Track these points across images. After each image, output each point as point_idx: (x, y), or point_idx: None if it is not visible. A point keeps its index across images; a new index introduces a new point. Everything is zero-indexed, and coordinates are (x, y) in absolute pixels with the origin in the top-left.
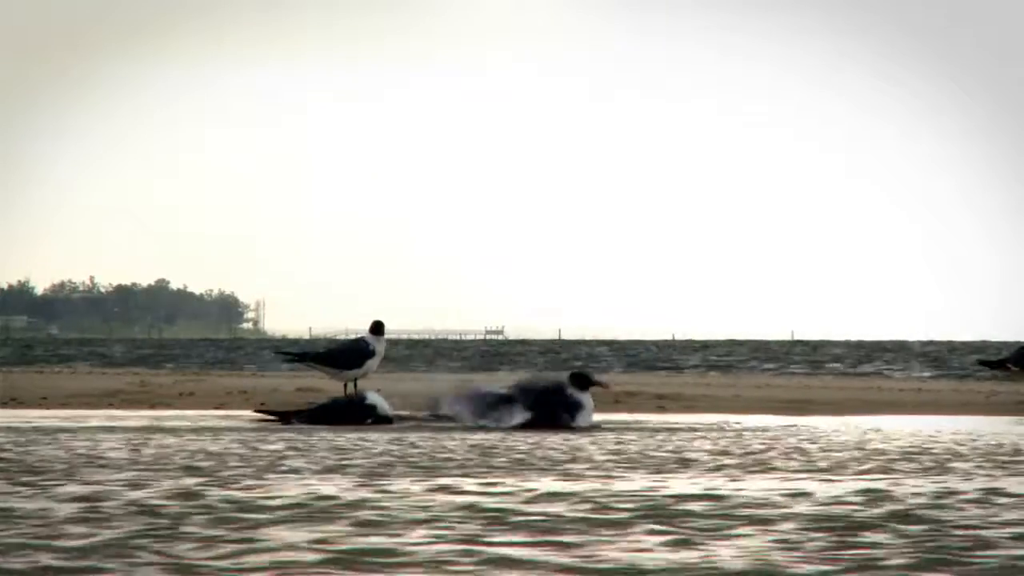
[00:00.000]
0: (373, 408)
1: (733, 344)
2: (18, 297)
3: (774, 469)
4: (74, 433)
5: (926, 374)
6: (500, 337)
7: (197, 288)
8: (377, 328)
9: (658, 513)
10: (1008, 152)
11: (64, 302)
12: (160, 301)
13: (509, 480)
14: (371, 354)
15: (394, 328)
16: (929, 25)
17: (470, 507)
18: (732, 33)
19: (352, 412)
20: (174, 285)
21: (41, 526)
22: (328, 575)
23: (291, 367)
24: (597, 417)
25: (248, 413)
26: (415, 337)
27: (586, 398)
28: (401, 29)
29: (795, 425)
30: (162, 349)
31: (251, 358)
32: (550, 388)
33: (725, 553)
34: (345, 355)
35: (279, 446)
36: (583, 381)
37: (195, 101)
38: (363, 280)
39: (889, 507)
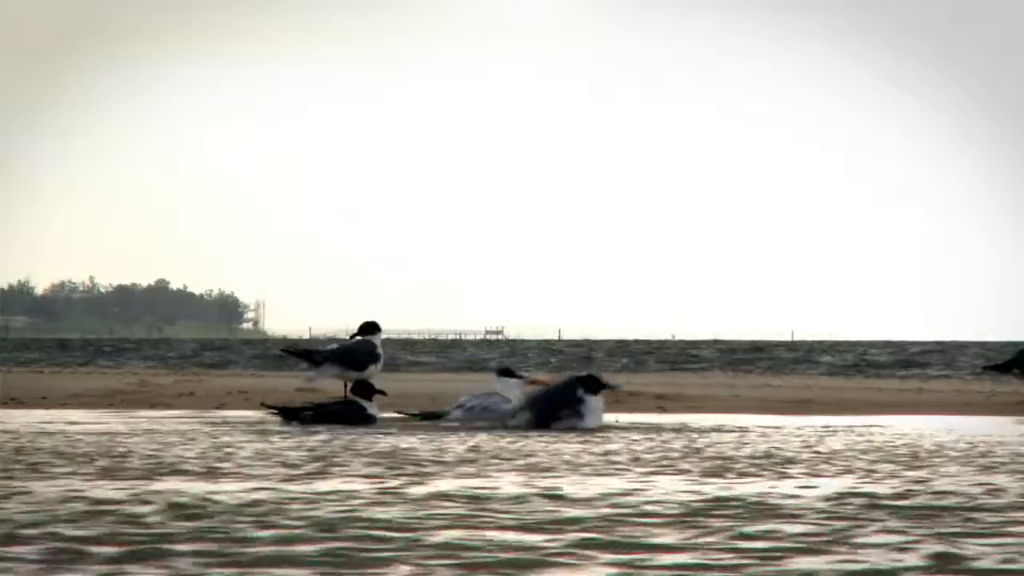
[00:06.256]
0: (364, 410)
1: (731, 344)
2: (18, 297)
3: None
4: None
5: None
6: (500, 337)
7: (197, 288)
8: (372, 328)
9: None
10: (1008, 152)
11: (64, 302)
12: (160, 301)
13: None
14: (377, 357)
15: (394, 328)
16: (929, 25)
17: None
18: (732, 33)
19: (351, 414)
20: (174, 285)
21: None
22: None
23: (292, 367)
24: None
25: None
26: (415, 337)
27: (596, 400)
28: (401, 29)
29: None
30: (162, 349)
31: (251, 358)
32: (558, 390)
33: None
34: (354, 356)
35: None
36: (594, 384)
37: (195, 101)
38: (363, 280)
39: None
